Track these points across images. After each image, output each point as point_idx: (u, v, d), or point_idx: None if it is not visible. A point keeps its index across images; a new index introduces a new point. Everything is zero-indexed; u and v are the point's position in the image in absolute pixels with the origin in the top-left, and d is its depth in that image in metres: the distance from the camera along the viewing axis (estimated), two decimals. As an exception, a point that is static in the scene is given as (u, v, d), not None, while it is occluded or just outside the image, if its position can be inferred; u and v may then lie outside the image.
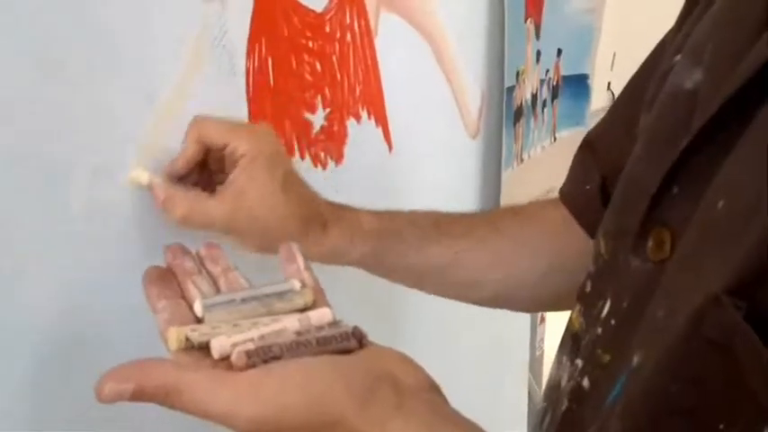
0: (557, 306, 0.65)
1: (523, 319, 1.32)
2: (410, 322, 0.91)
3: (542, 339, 1.47)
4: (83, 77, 0.46)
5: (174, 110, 0.53)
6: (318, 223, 0.56)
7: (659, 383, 0.35)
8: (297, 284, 0.42)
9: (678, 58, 0.47)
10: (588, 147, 0.64)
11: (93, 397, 0.45)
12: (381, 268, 0.62)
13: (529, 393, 1.35)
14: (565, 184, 0.66)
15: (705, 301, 0.33)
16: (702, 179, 0.38)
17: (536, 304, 0.69)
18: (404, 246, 0.60)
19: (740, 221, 0.34)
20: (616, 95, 1.55)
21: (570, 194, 0.64)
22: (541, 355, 1.48)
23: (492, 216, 0.66)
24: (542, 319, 1.45)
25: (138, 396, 0.33)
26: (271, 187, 0.53)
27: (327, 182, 0.62)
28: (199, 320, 0.39)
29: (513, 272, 0.64)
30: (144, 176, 0.50)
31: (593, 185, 0.61)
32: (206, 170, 0.55)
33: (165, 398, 0.34)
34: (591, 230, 0.60)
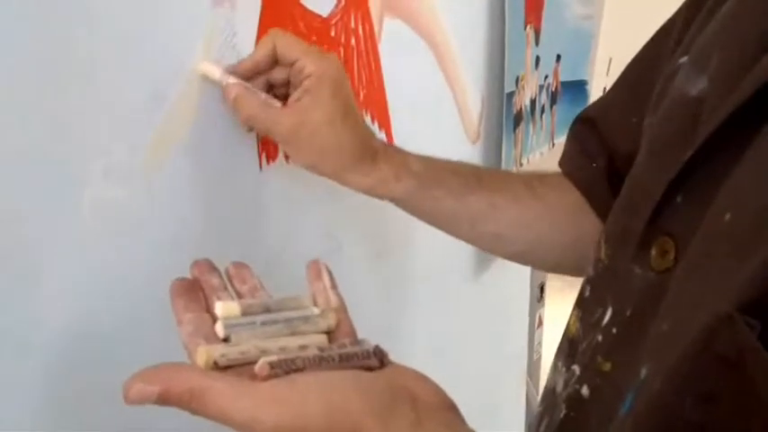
0: (580, 273, 0.66)
1: (521, 322, 1.33)
2: (408, 325, 0.91)
3: (540, 343, 1.47)
4: (94, 79, 0.47)
5: (184, 111, 0.54)
6: (370, 155, 0.59)
7: (669, 398, 0.35)
8: (316, 310, 0.42)
9: (685, 59, 0.47)
10: (588, 123, 0.64)
11: (106, 397, 0.45)
12: (418, 210, 0.65)
13: (526, 397, 1.36)
14: (567, 159, 0.67)
15: (717, 318, 0.33)
16: (707, 189, 0.38)
17: (560, 268, 0.69)
18: (443, 191, 0.63)
19: (748, 235, 0.34)
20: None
21: (576, 170, 0.65)
22: (539, 360, 1.49)
23: (530, 178, 0.67)
24: (540, 323, 1.46)
25: (164, 399, 0.34)
26: (332, 112, 0.56)
27: (332, 184, 0.62)
28: (223, 338, 0.40)
29: (542, 234, 0.66)
30: (216, 71, 0.53)
31: (599, 163, 0.62)
32: (270, 88, 0.58)
33: (189, 403, 0.34)
34: (600, 212, 0.62)
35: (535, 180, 0.66)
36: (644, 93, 0.54)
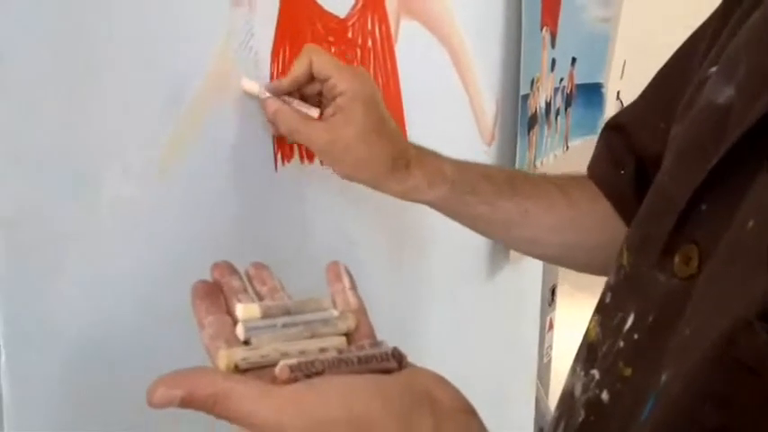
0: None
1: (532, 326, 1.33)
2: (420, 325, 0.91)
3: (550, 346, 1.47)
4: (113, 79, 0.47)
5: (201, 111, 0.54)
6: (403, 164, 0.62)
7: (688, 402, 0.35)
8: (335, 312, 0.42)
9: (714, 69, 0.47)
10: (618, 129, 0.65)
11: (121, 397, 0.46)
12: (452, 213, 0.67)
13: (536, 400, 1.36)
14: (595, 166, 0.68)
15: (736, 324, 0.33)
16: (731, 197, 0.38)
17: (590, 268, 0.70)
18: (476, 197, 0.65)
19: None
20: (625, 104, 1.56)
21: (604, 178, 0.66)
22: (549, 362, 1.48)
23: (565, 183, 0.68)
24: (550, 326, 1.45)
25: (187, 403, 0.34)
26: (364, 128, 0.59)
27: (347, 185, 0.62)
28: (244, 341, 0.40)
29: (574, 239, 0.67)
30: (255, 87, 0.58)
31: (627, 170, 0.63)
32: (303, 100, 0.61)
33: (212, 406, 0.34)
34: (627, 219, 0.62)
35: (570, 185, 0.67)
36: (672, 99, 0.54)
